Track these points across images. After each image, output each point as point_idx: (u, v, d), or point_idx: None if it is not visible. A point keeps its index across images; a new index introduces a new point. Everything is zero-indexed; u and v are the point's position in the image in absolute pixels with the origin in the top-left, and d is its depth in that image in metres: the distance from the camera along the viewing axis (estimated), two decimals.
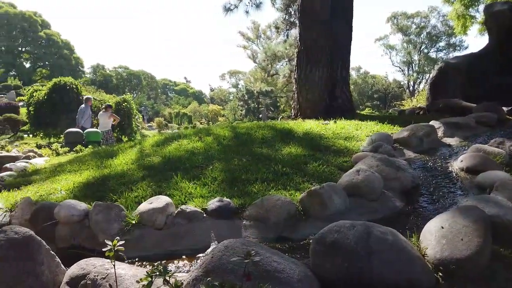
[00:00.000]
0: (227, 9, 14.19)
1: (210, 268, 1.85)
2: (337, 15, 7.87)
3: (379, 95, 55.12)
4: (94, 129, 11.50)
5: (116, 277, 1.79)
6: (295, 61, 8.27)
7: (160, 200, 2.92)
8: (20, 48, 56.55)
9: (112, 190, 3.68)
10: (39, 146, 11.25)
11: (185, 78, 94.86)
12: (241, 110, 53.81)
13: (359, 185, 3.06)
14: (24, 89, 28.61)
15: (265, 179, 3.63)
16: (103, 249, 1.83)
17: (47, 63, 57.18)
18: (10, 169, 5.27)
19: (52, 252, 2.18)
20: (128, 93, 25.94)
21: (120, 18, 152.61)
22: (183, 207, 2.92)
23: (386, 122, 5.82)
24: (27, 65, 57.66)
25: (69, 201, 3.00)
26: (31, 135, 16.47)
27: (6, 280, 1.98)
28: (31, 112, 15.72)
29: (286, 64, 23.76)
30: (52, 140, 15.38)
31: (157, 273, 1.57)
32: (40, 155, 8.07)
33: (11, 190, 4.29)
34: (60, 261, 2.20)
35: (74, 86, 15.95)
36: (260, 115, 46.35)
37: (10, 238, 2.06)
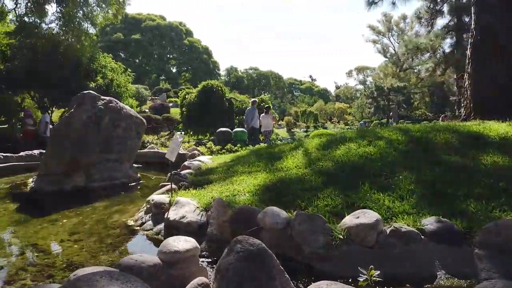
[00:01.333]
0: (371, 3, 13.35)
1: None
2: None
3: None
4: (241, 129, 12.16)
5: None
6: (468, 52, 7.16)
7: (369, 215, 2.64)
8: (168, 55, 64.78)
9: (297, 196, 3.58)
10: (196, 144, 12.39)
11: (310, 76, 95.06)
12: (369, 108, 51.12)
13: None
14: (177, 92, 32.48)
15: (478, 195, 3.06)
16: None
17: (189, 67, 64.14)
18: (189, 167, 5.75)
19: (281, 267, 2.09)
20: (266, 93, 27.06)
21: (251, 20, 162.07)
22: (396, 225, 2.59)
23: None
24: (174, 70, 65.64)
25: (272, 208, 2.96)
26: (183, 133, 18.41)
27: None
28: (184, 112, 17.54)
29: (430, 57, 21.47)
30: (199, 137, 16.91)
31: None
32: (202, 153, 8.79)
33: (197, 189, 4.61)
34: (289, 278, 2.09)
35: (219, 88, 17.23)
36: (391, 113, 43.22)
37: (247, 250, 2.02)
